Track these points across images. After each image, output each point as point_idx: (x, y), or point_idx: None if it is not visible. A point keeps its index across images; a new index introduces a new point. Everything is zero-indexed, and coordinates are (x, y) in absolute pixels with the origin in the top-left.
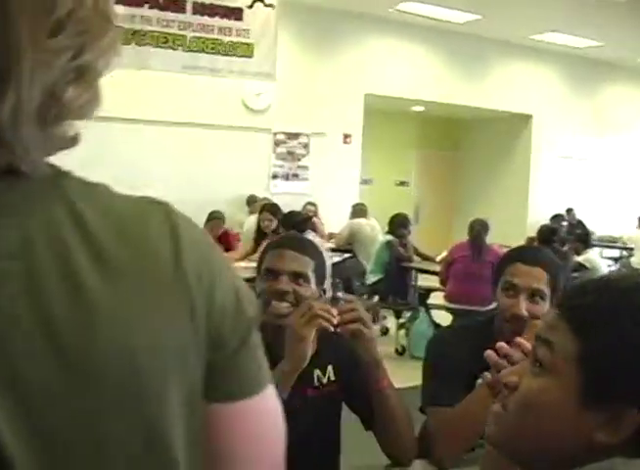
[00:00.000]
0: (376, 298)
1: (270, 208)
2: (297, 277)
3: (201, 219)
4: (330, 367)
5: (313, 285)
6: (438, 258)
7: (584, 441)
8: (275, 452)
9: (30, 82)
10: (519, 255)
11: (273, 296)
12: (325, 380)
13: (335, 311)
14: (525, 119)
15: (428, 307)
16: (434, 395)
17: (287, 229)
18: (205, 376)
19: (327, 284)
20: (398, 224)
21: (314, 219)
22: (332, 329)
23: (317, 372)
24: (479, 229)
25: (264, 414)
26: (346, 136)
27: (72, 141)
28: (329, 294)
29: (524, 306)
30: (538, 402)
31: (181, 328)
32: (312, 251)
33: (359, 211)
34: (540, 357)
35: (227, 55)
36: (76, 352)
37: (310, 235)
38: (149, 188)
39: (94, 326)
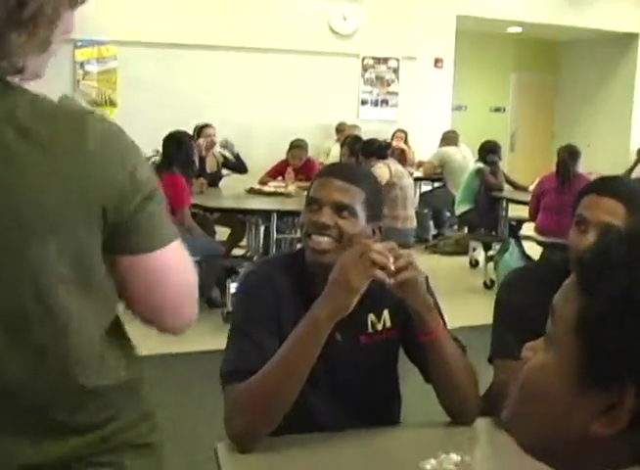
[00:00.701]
0: (465, 229)
1: (351, 142)
2: (342, 210)
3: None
4: (386, 312)
5: (362, 220)
6: (531, 188)
7: (578, 433)
8: (177, 300)
9: None
10: (594, 185)
11: (313, 228)
12: (380, 326)
13: (391, 258)
14: (630, 39)
15: (519, 239)
16: (502, 345)
17: (366, 158)
18: (109, 235)
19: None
20: (488, 150)
21: (401, 145)
22: (388, 281)
23: (371, 317)
24: (564, 157)
25: (165, 266)
26: (438, 60)
27: (19, 71)
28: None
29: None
30: (532, 382)
31: (70, 195)
32: (364, 181)
33: (450, 138)
34: (547, 328)
35: None
36: None
37: (391, 162)
38: (235, 116)
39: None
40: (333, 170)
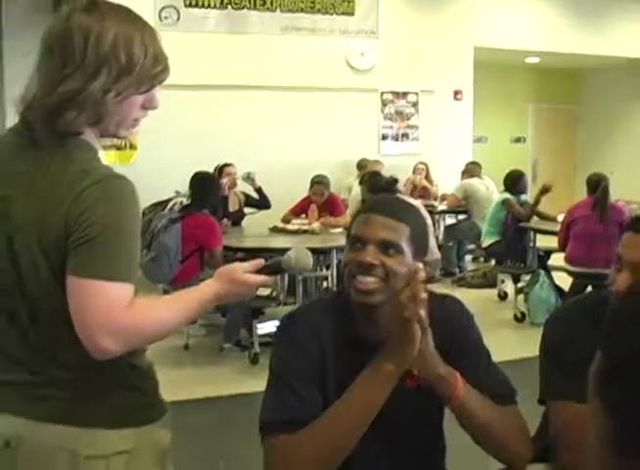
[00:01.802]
0: (492, 261)
1: (368, 178)
2: (388, 248)
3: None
4: None
5: (409, 257)
6: (560, 218)
7: None
8: (91, 321)
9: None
10: (632, 222)
11: (358, 268)
12: None
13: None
14: None
15: (548, 270)
16: (557, 385)
17: (374, 194)
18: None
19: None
20: (514, 180)
21: (424, 182)
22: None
23: None
24: (605, 185)
25: (83, 294)
26: (457, 92)
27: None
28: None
29: (625, 283)
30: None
31: (56, 222)
32: (408, 215)
33: (472, 169)
34: None
35: (327, 13)
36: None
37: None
38: (255, 154)
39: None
40: (376, 206)
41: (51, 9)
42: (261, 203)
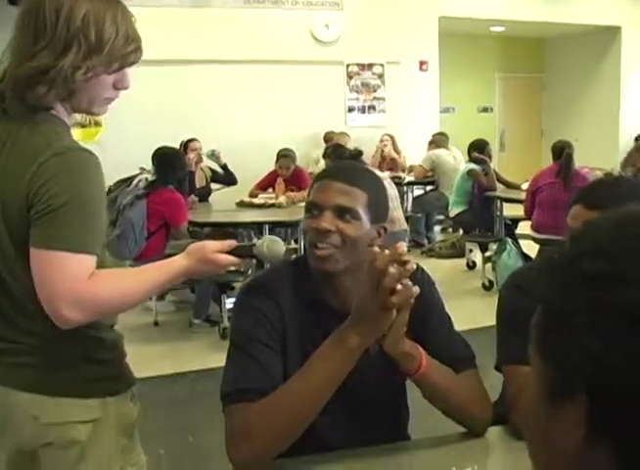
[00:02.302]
0: (460, 231)
1: (332, 151)
2: (344, 213)
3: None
4: None
5: (366, 223)
6: (524, 186)
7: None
8: (53, 292)
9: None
10: (583, 194)
11: (315, 235)
12: None
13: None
14: (613, 32)
15: (515, 238)
16: (510, 351)
17: None
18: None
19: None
20: (477, 149)
21: (393, 154)
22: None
23: None
24: (569, 152)
25: (46, 265)
26: (422, 63)
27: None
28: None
29: None
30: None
31: (18, 192)
32: (366, 181)
33: (439, 140)
34: None
35: None
36: None
37: None
38: (221, 129)
39: None
40: (332, 172)
41: None
42: (227, 179)
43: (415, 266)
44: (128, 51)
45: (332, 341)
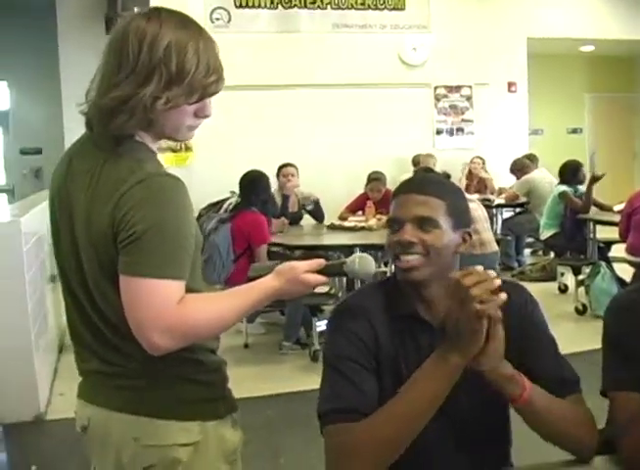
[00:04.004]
0: (552, 254)
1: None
2: (424, 224)
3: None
4: None
5: (448, 230)
6: (616, 208)
7: None
8: (142, 319)
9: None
10: None
11: (399, 248)
12: None
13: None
14: None
15: (609, 261)
16: (618, 376)
17: None
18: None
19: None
20: (571, 172)
21: (482, 175)
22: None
23: None
24: None
25: (134, 292)
26: (511, 84)
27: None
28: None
29: None
30: None
31: (104, 221)
32: (441, 189)
33: (523, 165)
34: None
35: (377, 9)
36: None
37: None
38: (311, 152)
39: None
40: (407, 186)
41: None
42: (316, 214)
43: (506, 298)
44: (209, 82)
45: (432, 361)
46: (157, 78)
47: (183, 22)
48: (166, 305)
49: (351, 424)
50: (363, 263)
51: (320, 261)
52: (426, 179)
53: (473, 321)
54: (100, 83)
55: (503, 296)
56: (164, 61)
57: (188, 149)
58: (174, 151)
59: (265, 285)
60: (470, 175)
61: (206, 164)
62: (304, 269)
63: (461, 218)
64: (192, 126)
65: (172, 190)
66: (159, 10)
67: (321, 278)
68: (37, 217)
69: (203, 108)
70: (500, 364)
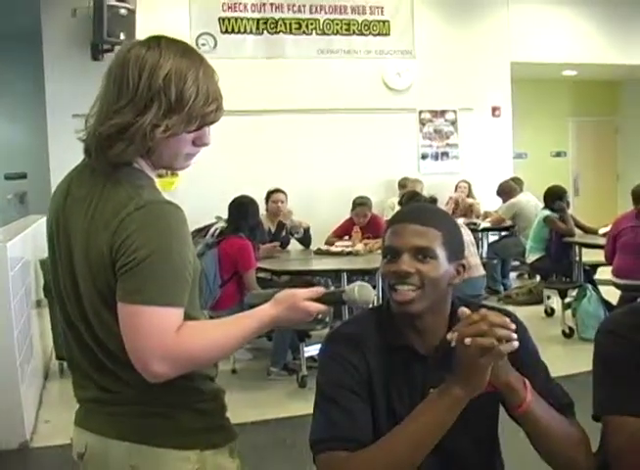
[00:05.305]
0: (538, 277)
1: (407, 199)
2: (421, 254)
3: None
4: None
5: (444, 262)
6: (601, 231)
7: None
8: (141, 347)
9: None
10: None
11: (395, 279)
12: None
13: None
14: None
15: (595, 284)
16: (611, 400)
17: None
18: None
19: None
20: (554, 196)
21: (469, 201)
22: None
23: None
24: None
25: (133, 320)
26: (495, 109)
27: (128, 163)
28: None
29: None
30: None
31: (102, 247)
32: (437, 220)
33: (509, 188)
34: None
35: (363, 34)
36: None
37: None
38: (296, 177)
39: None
40: (404, 215)
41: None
42: (303, 240)
43: (517, 346)
44: (208, 111)
45: (438, 393)
46: (156, 106)
47: (183, 50)
48: (166, 333)
49: (346, 453)
50: (362, 292)
51: (319, 290)
52: (423, 209)
53: (476, 355)
54: (99, 110)
55: (515, 344)
56: (164, 89)
57: (174, 174)
58: (160, 176)
59: (263, 313)
60: (456, 204)
61: (192, 189)
62: (304, 297)
63: (456, 250)
64: (190, 155)
65: (172, 217)
66: (159, 38)
67: (320, 306)
68: (23, 243)
69: (201, 136)
70: (504, 372)
